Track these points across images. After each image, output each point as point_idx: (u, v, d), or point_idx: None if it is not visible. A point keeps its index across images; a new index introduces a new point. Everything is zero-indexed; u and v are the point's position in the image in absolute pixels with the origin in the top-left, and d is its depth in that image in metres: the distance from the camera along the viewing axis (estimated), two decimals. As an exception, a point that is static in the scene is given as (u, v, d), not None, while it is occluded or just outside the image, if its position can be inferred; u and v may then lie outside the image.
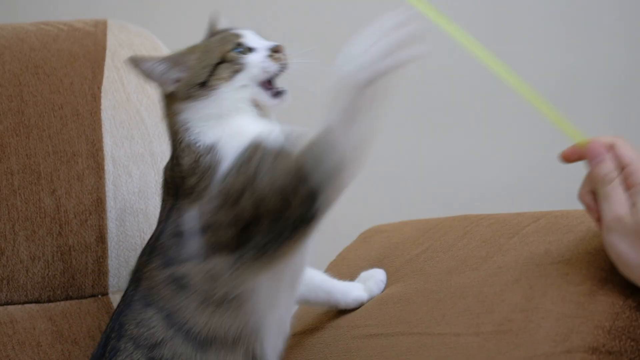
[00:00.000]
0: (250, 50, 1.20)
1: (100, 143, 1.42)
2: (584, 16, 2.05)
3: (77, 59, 1.45)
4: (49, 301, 1.38)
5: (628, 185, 0.99)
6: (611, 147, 1.01)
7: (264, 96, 1.19)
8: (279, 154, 1.10)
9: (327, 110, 1.07)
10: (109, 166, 1.42)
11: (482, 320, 1.08)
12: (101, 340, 1.17)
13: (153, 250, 1.16)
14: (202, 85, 1.17)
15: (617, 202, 0.98)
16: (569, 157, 1.04)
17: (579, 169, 1.05)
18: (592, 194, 1.02)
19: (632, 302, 1.00)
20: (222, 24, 1.27)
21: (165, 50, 1.53)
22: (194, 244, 1.13)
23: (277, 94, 1.19)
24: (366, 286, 1.28)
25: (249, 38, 1.21)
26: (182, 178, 1.15)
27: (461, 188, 2.09)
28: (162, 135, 1.45)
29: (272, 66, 1.18)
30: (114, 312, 1.19)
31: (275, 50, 1.19)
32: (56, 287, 1.38)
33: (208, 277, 1.12)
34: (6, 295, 1.35)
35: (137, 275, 1.17)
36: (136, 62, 1.18)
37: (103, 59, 1.46)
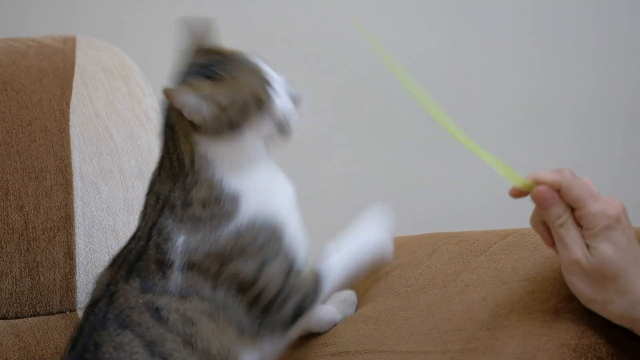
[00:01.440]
0: (274, 92, 1.13)
1: (69, 159, 1.41)
2: (554, 36, 2.07)
3: (46, 75, 1.45)
4: (17, 317, 1.37)
5: (582, 227, 0.98)
6: (558, 190, 0.98)
7: (276, 137, 1.14)
8: (291, 263, 1.13)
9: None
10: (77, 182, 1.41)
11: (449, 338, 1.08)
12: (70, 357, 1.11)
13: (132, 269, 1.11)
14: (231, 125, 1.10)
15: (572, 245, 0.97)
16: (519, 195, 1.01)
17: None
18: (544, 223, 1.00)
19: (598, 320, 1.00)
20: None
21: (133, 66, 1.52)
22: (174, 278, 1.09)
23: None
24: (339, 308, 1.28)
25: (272, 76, 1.14)
26: (184, 203, 1.11)
27: (430, 206, 2.10)
28: (131, 151, 1.45)
29: (294, 116, 1.13)
30: (81, 326, 1.12)
31: (294, 100, 1.14)
32: (24, 303, 1.37)
33: (184, 319, 1.08)
34: (-27, 311, 1.35)
35: (111, 290, 1.11)
36: (171, 95, 1.09)
37: (72, 75, 1.45)
